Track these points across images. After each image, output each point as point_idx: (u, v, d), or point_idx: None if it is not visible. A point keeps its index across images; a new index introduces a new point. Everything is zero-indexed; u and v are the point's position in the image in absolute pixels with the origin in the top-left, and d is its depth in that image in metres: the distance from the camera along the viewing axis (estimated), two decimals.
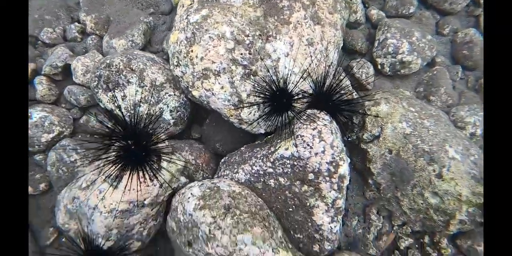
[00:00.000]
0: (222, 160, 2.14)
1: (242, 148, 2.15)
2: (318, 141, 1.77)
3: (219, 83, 1.86)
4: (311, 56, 2.01)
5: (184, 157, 2.16)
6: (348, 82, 2.55)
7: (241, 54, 1.84)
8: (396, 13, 2.81)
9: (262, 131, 2.04)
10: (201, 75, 1.87)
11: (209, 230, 1.60)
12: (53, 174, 2.23)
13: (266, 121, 1.98)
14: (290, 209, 1.95)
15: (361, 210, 2.31)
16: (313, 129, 1.80)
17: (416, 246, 2.16)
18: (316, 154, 1.77)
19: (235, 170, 2.00)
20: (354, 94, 2.54)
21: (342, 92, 2.16)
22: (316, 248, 1.99)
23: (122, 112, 1.96)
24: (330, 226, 1.92)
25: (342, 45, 2.29)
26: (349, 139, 2.31)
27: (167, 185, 1.77)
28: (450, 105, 2.58)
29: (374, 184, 2.25)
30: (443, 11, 2.84)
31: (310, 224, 1.94)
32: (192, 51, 1.86)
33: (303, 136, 1.79)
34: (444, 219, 2.07)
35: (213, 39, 1.82)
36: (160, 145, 1.76)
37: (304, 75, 1.99)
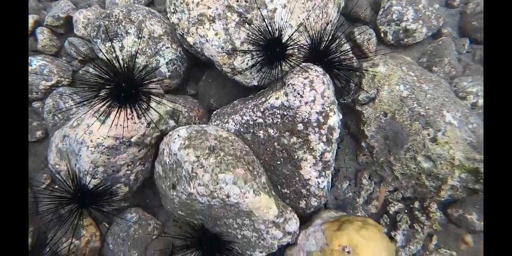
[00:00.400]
0: (214, 112, 2.14)
1: (235, 101, 2.14)
2: (309, 89, 1.74)
3: (213, 29, 1.85)
4: (308, 11, 1.97)
5: (177, 109, 2.17)
6: (348, 47, 2.52)
7: (237, 1, 1.83)
8: None
9: (255, 82, 2.02)
10: (196, 21, 1.86)
11: (192, 168, 1.59)
12: (49, 121, 2.26)
13: (259, 72, 1.96)
14: (278, 162, 1.93)
15: (353, 175, 2.28)
16: (305, 78, 1.77)
17: (406, 211, 2.12)
18: (306, 103, 1.75)
19: (226, 120, 2.00)
20: (354, 60, 2.51)
21: (339, 52, 2.13)
22: (302, 204, 1.97)
23: (117, 57, 1.96)
24: (317, 181, 1.89)
25: (343, 5, 2.25)
26: (345, 101, 2.28)
27: (154, 125, 1.77)
28: (453, 76, 2.51)
29: (367, 148, 2.21)
30: None
31: (297, 178, 1.92)
32: None
33: (294, 84, 1.77)
34: (435, 184, 2.02)
35: None
36: (151, 86, 1.76)
37: (301, 29, 1.96)
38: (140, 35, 2.17)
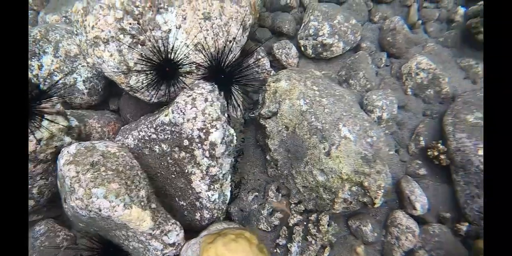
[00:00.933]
0: (122, 128, 2.24)
1: (141, 117, 2.24)
2: (190, 107, 1.83)
3: (108, 51, 1.95)
4: (207, 30, 2.07)
5: (90, 124, 2.28)
6: (267, 61, 2.60)
7: (130, 24, 1.93)
8: None
9: (155, 100, 2.12)
10: (93, 43, 1.97)
11: (70, 183, 1.69)
12: None
13: (156, 90, 2.05)
14: (173, 176, 2.01)
15: (262, 187, 2.34)
16: (188, 96, 1.86)
17: (305, 223, 2.16)
18: (188, 120, 1.83)
19: (126, 135, 2.09)
20: (272, 73, 2.59)
21: (242, 68, 2.21)
22: (197, 216, 2.05)
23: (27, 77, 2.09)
24: (208, 195, 1.97)
25: (251, 22, 2.33)
26: (253, 115, 2.35)
27: (45, 142, 1.88)
28: (369, 89, 2.57)
29: (272, 161, 2.27)
30: None
31: (190, 191, 2.00)
32: (86, 20, 1.97)
33: (178, 102, 1.86)
34: (331, 197, 2.07)
35: (103, 9, 1.91)
36: (44, 105, 1.87)
37: (199, 48, 2.06)
38: (57, 55, 2.30)
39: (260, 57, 2.58)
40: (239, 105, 2.33)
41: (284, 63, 2.62)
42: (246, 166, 2.38)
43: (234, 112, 2.34)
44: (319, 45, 2.58)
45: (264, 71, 2.57)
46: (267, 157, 2.28)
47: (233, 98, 2.22)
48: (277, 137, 2.22)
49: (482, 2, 2.46)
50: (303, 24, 2.68)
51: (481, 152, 2.00)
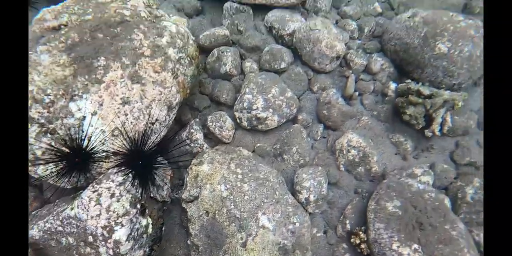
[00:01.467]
0: (33, 213, 2.14)
1: (56, 201, 2.15)
2: (93, 204, 1.76)
3: None
4: (126, 115, 2.03)
5: None
6: (200, 136, 2.57)
7: (39, 112, 1.88)
8: (269, 67, 2.85)
9: (69, 186, 2.04)
10: None
11: None
12: None
13: (69, 177, 1.98)
14: None
15: None
16: (94, 191, 1.80)
17: None
18: (92, 217, 1.76)
19: (32, 226, 1.99)
20: (204, 148, 2.55)
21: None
22: None
23: None
24: None
25: (179, 101, 2.31)
26: (177, 195, 2.29)
27: None
28: (302, 165, 2.54)
29: (193, 246, 2.19)
30: (315, 69, 2.88)
31: None
32: None
33: (83, 198, 1.79)
34: None
35: None
36: None
37: (116, 133, 2.01)
38: None
39: (192, 131, 2.55)
40: (163, 185, 2.27)
41: (218, 136, 2.59)
42: (169, 247, 2.29)
43: (157, 193, 2.27)
44: (253, 118, 2.57)
45: (196, 145, 2.53)
46: (188, 241, 2.20)
47: (156, 180, 2.17)
48: (198, 222, 2.15)
49: (409, 80, 2.51)
50: (239, 96, 2.68)
51: (395, 246, 1.97)
